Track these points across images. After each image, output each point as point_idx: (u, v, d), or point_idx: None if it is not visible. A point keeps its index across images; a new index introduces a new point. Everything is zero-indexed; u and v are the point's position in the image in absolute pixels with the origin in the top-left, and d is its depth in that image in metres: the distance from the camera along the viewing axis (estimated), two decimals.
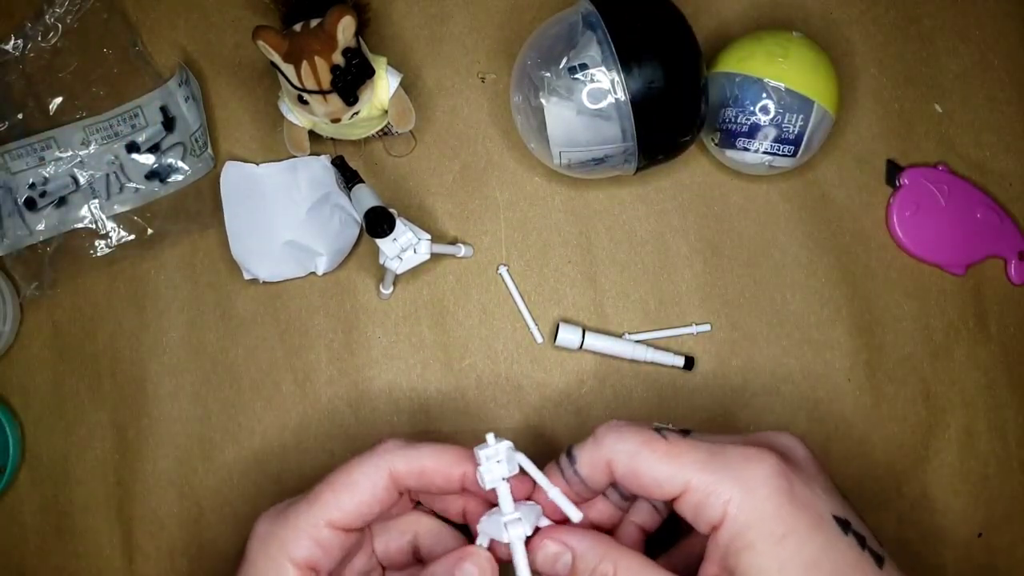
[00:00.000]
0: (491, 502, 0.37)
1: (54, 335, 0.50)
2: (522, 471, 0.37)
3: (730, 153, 0.47)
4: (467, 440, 0.48)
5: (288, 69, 0.42)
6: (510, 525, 0.35)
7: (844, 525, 0.34)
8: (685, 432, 0.37)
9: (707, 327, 0.49)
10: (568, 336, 0.48)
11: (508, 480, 0.36)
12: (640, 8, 0.43)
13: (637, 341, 0.48)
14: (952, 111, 0.51)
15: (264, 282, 0.49)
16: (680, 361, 0.48)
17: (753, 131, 0.46)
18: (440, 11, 0.52)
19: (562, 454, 0.38)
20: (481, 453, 0.36)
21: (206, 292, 0.50)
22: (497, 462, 0.36)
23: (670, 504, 0.36)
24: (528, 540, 0.36)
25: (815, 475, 0.35)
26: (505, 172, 0.50)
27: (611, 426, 0.36)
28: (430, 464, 0.37)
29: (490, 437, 0.36)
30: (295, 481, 0.48)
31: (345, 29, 0.41)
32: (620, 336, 0.49)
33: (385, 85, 0.45)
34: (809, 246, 0.50)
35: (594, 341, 0.48)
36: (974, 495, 0.48)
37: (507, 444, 0.36)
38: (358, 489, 0.36)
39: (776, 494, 0.33)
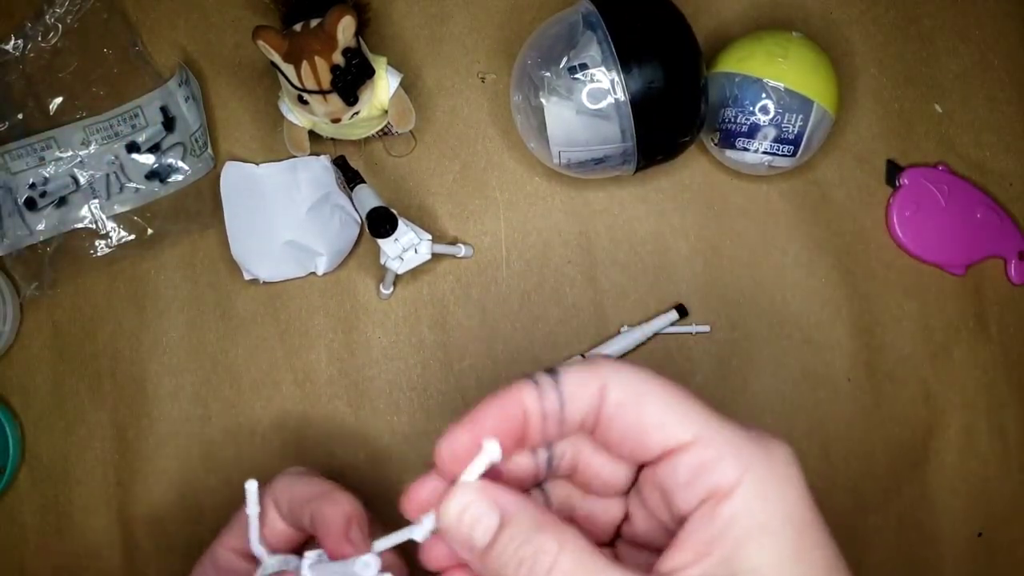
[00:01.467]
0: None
1: (54, 335, 0.50)
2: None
3: (730, 153, 0.47)
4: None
5: (288, 69, 0.42)
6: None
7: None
8: None
9: (706, 328, 0.49)
10: None
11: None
12: (640, 8, 0.43)
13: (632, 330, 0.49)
14: (952, 111, 0.51)
15: (264, 282, 0.49)
16: (674, 315, 0.48)
17: (753, 131, 0.46)
18: (440, 11, 0.52)
19: (536, 372, 0.30)
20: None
21: (206, 292, 0.49)
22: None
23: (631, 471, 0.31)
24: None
25: None
26: (505, 172, 0.50)
27: (604, 357, 0.31)
28: (289, 496, 0.36)
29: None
30: None
31: (345, 29, 0.41)
32: (618, 330, 0.49)
33: (385, 85, 0.45)
34: (809, 246, 0.50)
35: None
36: (974, 495, 0.48)
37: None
38: (242, 519, 0.37)
39: (799, 481, 0.27)
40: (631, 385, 0.28)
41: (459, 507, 0.27)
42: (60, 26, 0.50)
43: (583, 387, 0.29)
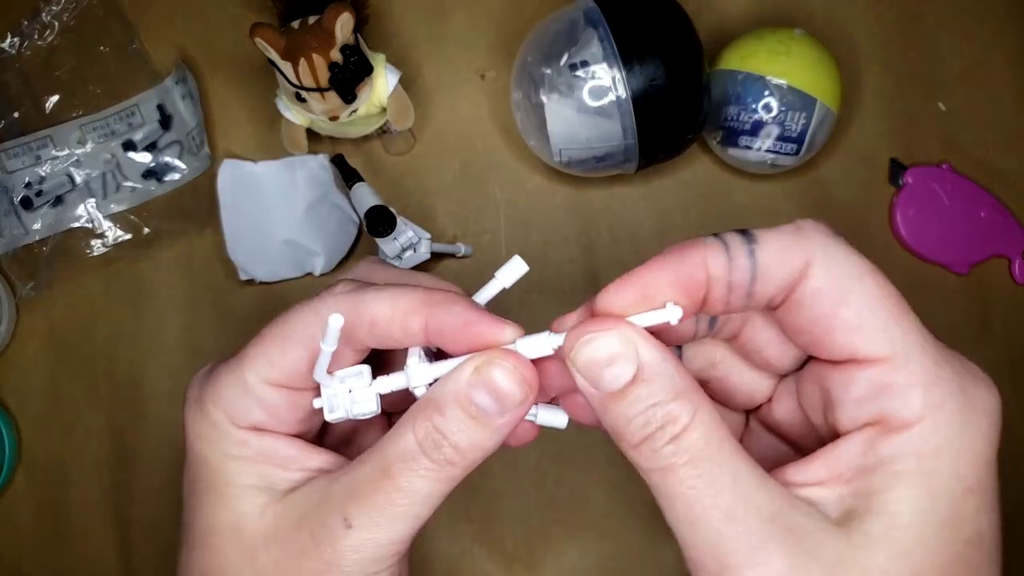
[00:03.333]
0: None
1: (50, 336, 0.49)
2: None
3: (732, 151, 0.47)
4: None
5: (286, 67, 0.41)
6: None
7: None
8: None
9: None
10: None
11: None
12: (642, 5, 0.43)
13: None
14: (956, 109, 0.51)
15: (261, 283, 0.49)
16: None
17: (756, 129, 0.45)
18: (440, 8, 0.51)
19: (726, 232, 0.25)
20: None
21: (203, 292, 0.49)
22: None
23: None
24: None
25: None
26: (505, 170, 0.50)
27: (819, 224, 0.25)
28: (383, 312, 0.27)
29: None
30: None
31: (343, 26, 0.40)
32: None
33: (384, 82, 0.45)
34: None
35: None
36: None
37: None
38: (292, 341, 0.28)
39: (986, 438, 0.25)
40: (839, 274, 0.24)
41: (597, 345, 0.24)
42: (57, 24, 0.50)
43: (783, 261, 0.24)
